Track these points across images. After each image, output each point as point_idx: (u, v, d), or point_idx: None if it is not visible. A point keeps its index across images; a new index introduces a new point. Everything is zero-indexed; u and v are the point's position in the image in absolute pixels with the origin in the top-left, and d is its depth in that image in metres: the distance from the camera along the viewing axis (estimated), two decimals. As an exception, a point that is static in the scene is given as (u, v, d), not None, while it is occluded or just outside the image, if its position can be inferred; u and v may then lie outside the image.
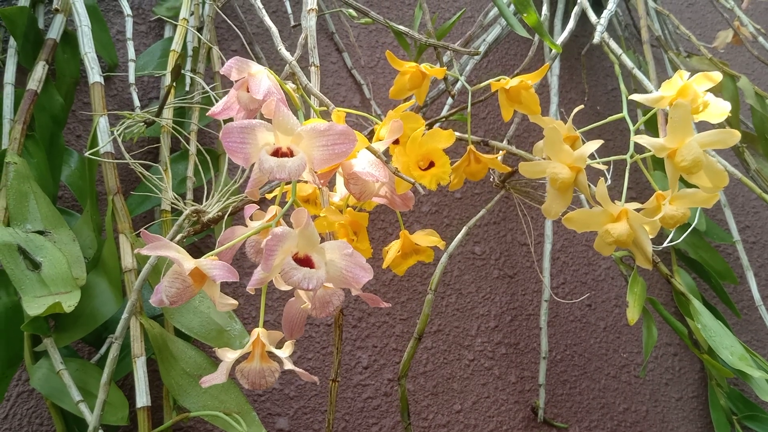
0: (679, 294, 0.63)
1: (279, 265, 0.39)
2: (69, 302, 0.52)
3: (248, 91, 0.47)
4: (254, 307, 0.78)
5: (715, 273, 0.95)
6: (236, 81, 0.48)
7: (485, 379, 0.85)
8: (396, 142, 0.51)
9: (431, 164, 0.49)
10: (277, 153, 0.42)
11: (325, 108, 0.50)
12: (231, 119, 0.50)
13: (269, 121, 0.43)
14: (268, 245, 0.38)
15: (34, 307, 0.52)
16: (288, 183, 0.51)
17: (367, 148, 0.47)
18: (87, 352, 0.70)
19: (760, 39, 0.90)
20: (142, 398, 0.55)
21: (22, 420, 0.66)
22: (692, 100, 0.57)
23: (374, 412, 0.78)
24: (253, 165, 0.53)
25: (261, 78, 0.47)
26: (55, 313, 0.60)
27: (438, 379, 0.83)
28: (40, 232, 0.59)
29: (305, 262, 0.40)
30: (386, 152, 0.50)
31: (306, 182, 0.52)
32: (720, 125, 0.91)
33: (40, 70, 0.67)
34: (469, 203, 0.94)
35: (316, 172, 0.46)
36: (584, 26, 1.15)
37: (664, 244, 0.78)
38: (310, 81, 0.56)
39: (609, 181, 0.59)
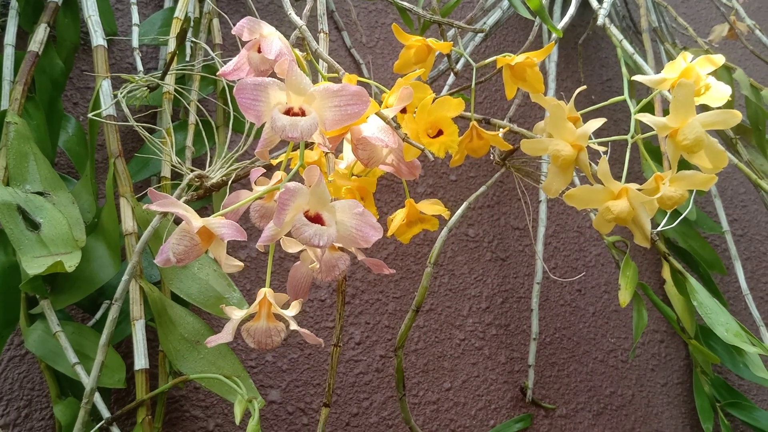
0: (677, 272, 0.63)
1: (290, 221, 0.39)
2: (70, 262, 0.52)
3: (259, 52, 0.47)
4: (248, 280, 0.78)
5: (703, 262, 0.96)
6: (247, 42, 0.48)
7: (475, 359, 0.86)
8: (402, 111, 0.51)
9: (439, 132, 0.50)
10: (288, 113, 0.42)
11: (335, 74, 0.50)
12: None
13: (282, 80, 0.43)
14: (281, 199, 0.38)
15: (34, 266, 0.52)
16: (295, 148, 0.51)
17: (377, 113, 0.47)
18: (80, 319, 0.69)
19: (757, 32, 0.91)
20: (141, 360, 0.55)
21: (14, 384, 0.66)
22: (694, 82, 0.58)
23: (366, 387, 0.78)
24: (254, 130, 0.52)
25: (273, 39, 0.47)
26: (51, 277, 0.60)
27: (429, 357, 0.83)
28: (40, 193, 0.58)
29: (316, 220, 0.40)
30: (393, 120, 0.50)
31: (312, 148, 0.52)
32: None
33: (41, 32, 0.67)
34: (464, 186, 0.95)
35: (325, 135, 0.46)
36: (581, 16, 1.15)
37: (657, 230, 0.79)
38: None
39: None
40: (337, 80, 0.50)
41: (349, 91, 0.42)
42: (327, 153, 0.52)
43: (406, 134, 0.46)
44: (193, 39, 0.75)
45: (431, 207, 0.52)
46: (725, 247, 1.09)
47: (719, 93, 0.58)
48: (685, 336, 0.83)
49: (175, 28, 0.68)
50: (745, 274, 0.94)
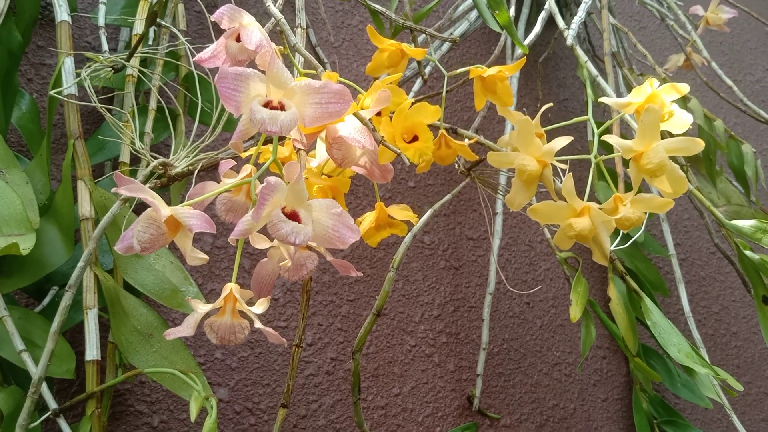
0: (632, 291, 0.65)
1: (266, 216, 0.38)
2: (25, 244, 0.50)
3: (238, 41, 0.46)
4: (200, 274, 0.76)
5: (648, 283, 0.99)
6: (227, 30, 0.47)
7: (425, 366, 0.86)
8: (377, 114, 0.51)
9: (415, 138, 0.49)
10: (267, 105, 0.41)
11: (313, 71, 0.50)
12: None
13: (262, 72, 0.42)
14: (263, 193, 0.37)
15: (-16, 247, 0.49)
16: (266, 143, 0.50)
17: (355, 114, 0.47)
18: (23, 305, 0.66)
19: (713, 64, 0.94)
20: (93, 351, 0.53)
21: (-53, 369, 0.62)
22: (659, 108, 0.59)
23: (315, 389, 0.78)
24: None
25: (253, 29, 0.46)
26: (-2, 258, 0.57)
27: (380, 361, 0.83)
28: (-8, 170, 0.55)
29: (292, 217, 0.39)
30: (369, 122, 0.49)
31: (283, 144, 0.51)
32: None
33: (1, 2, 0.64)
34: (422, 193, 0.95)
35: (302, 132, 0.45)
36: (542, 36, 1.17)
37: (611, 248, 0.81)
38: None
39: (561, 183, 0.60)
40: (314, 77, 0.49)
41: (332, 89, 0.42)
42: (299, 150, 0.51)
43: (383, 137, 0.46)
44: (157, 25, 0.73)
45: (401, 212, 0.52)
46: (668, 270, 1.13)
47: (681, 120, 0.59)
48: (630, 354, 0.85)
49: (142, 9, 0.67)
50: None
